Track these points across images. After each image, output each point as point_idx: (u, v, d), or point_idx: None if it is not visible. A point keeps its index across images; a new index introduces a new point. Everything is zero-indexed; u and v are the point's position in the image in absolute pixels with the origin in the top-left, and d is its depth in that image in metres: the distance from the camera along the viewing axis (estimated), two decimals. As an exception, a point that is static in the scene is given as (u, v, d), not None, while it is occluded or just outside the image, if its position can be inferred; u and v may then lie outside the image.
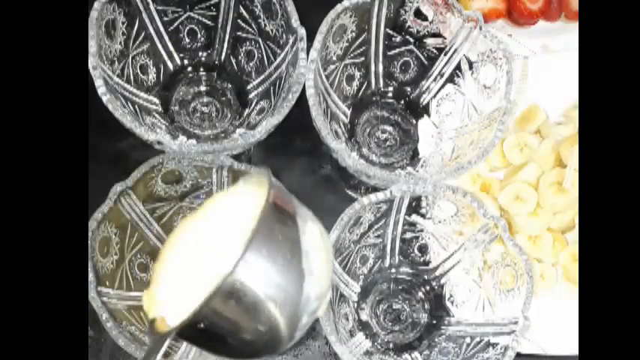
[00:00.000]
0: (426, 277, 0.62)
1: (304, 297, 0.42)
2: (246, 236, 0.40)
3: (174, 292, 0.45)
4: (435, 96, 0.66)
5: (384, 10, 0.62)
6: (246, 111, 0.66)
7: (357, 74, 0.66)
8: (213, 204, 0.47)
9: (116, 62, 0.61)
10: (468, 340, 0.58)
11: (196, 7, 0.64)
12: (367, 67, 0.66)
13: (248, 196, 0.46)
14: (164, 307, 0.44)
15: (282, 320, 0.42)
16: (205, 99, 0.67)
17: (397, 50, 0.66)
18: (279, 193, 0.44)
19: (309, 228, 0.44)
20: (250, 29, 0.65)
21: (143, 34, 0.63)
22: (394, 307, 0.62)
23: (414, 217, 0.60)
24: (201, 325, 0.41)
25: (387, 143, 0.67)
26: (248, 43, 0.66)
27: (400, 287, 0.63)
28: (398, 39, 0.65)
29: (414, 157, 0.66)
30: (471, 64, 0.62)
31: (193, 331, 0.41)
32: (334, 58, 0.62)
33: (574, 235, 0.64)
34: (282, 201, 0.44)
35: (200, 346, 0.45)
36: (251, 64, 0.66)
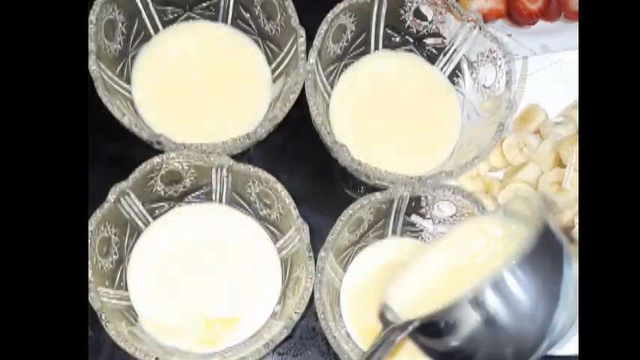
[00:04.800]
0: (425, 277, 0.62)
1: (552, 323, 0.44)
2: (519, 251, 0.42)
3: (416, 291, 0.48)
4: (435, 96, 0.66)
5: (384, 10, 0.62)
6: (247, 111, 0.66)
7: (357, 74, 0.66)
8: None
9: (116, 62, 0.61)
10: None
11: (196, 7, 0.64)
12: (367, 67, 0.66)
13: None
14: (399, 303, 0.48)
15: (521, 338, 0.44)
16: (205, 98, 0.67)
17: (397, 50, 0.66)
18: (553, 220, 0.45)
19: (573, 261, 0.45)
20: (250, 29, 0.64)
21: (143, 34, 0.63)
22: (394, 307, 0.62)
23: (414, 217, 0.60)
24: (442, 324, 0.42)
25: (387, 143, 0.66)
26: (248, 43, 0.65)
27: (400, 287, 0.63)
28: (398, 39, 0.65)
29: (414, 157, 0.66)
30: (470, 64, 0.62)
31: (430, 327, 0.43)
32: (334, 58, 0.62)
33: (574, 235, 0.64)
34: (556, 227, 0.45)
35: (420, 345, 0.46)
36: (251, 64, 0.66)
